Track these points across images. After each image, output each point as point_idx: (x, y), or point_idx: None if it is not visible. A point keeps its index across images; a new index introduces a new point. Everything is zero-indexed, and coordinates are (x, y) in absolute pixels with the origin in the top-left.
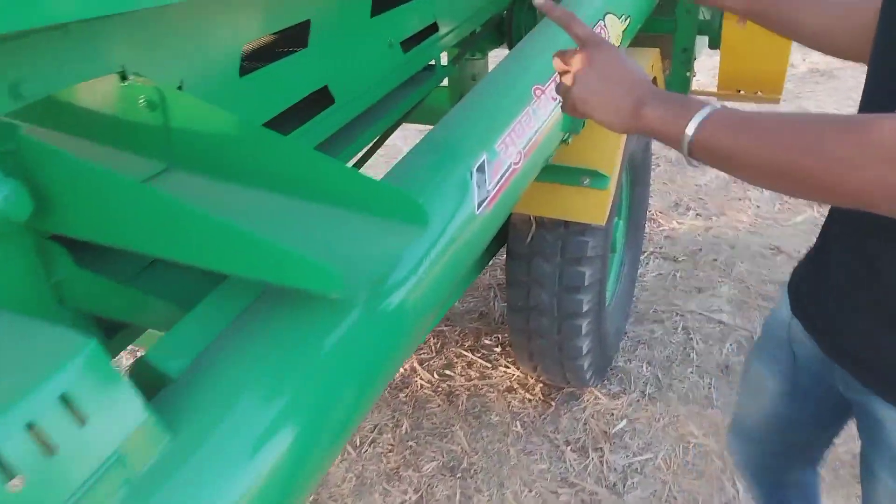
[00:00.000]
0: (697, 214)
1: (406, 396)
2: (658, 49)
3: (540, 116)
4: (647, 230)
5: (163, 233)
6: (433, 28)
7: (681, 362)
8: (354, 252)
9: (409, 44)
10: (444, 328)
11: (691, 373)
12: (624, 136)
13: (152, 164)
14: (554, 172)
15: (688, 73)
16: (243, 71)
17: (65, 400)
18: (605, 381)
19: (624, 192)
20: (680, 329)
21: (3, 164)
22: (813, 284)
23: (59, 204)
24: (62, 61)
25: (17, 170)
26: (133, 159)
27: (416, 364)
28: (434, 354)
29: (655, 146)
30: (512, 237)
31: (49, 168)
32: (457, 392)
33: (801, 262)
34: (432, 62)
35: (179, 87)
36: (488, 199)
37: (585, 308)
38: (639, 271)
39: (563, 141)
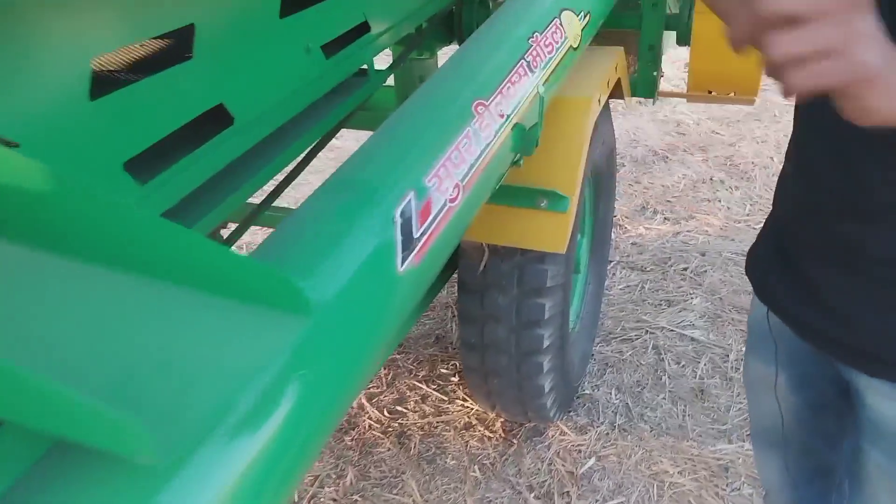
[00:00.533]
0: (665, 219)
1: (353, 440)
2: (622, 48)
3: (483, 138)
4: (614, 236)
5: None
6: (364, 28)
7: (652, 387)
8: (191, 375)
9: (333, 47)
10: (397, 356)
11: (664, 399)
12: (585, 149)
13: None
14: (506, 194)
15: (655, 73)
16: (97, 93)
17: None
18: (571, 412)
19: (587, 207)
20: (650, 349)
21: None
22: (780, 274)
23: None
24: None
25: None
26: None
27: (364, 401)
28: (384, 388)
29: (620, 145)
30: (462, 267)
31: None
32: (409, 432)
33: (759, 251)
34: (365, 66)
35: None
36: (416, 250)
37: (547, 343)
38: (606, 282)
39: (514, 163)
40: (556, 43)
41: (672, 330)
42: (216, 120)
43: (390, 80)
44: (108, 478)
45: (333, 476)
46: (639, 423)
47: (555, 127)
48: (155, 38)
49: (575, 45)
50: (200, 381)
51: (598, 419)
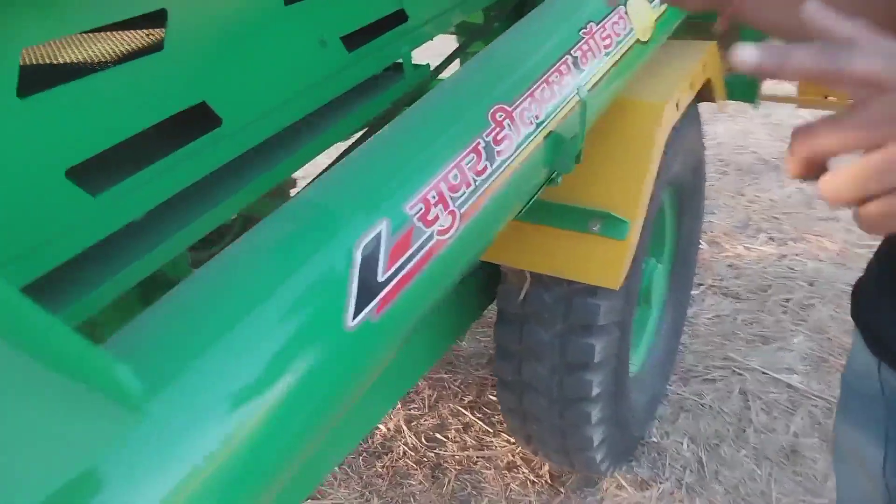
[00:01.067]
0: (770, 238)
1: (384, 467)
2: (714, 42)
3: (501, 152)
4: (708, 256)
5: None
6: (399, 16)
7: (734, 441)
8: None
9: (357, 39)
10: (444, 374)
11: (745, 457)
12: (653, 165)
13: None
14: (552, 213)
15: None
16: (27, 89)
17: None
18: (633, 462)
19: (667, 227)
20: (736, 393)
21: None
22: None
23: None
24: None
25: None
26: None
27: (402, 423)
28: (426, 411)
29: (724, 151)
30: (501, 293)
31: None
32: (446, 465)
33: (866, 288)
34: (400, 60)
35: None
36: (379, 298)
37: (597, 390)
38: (690, 311)
39: (550, 181)
40: (617, 36)
41: (765, 373)
42: (200, 121)
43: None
44: None
45: None
46: (712, 484)
47: (617, 136)
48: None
49: (644, 39)
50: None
51: (664, 474)
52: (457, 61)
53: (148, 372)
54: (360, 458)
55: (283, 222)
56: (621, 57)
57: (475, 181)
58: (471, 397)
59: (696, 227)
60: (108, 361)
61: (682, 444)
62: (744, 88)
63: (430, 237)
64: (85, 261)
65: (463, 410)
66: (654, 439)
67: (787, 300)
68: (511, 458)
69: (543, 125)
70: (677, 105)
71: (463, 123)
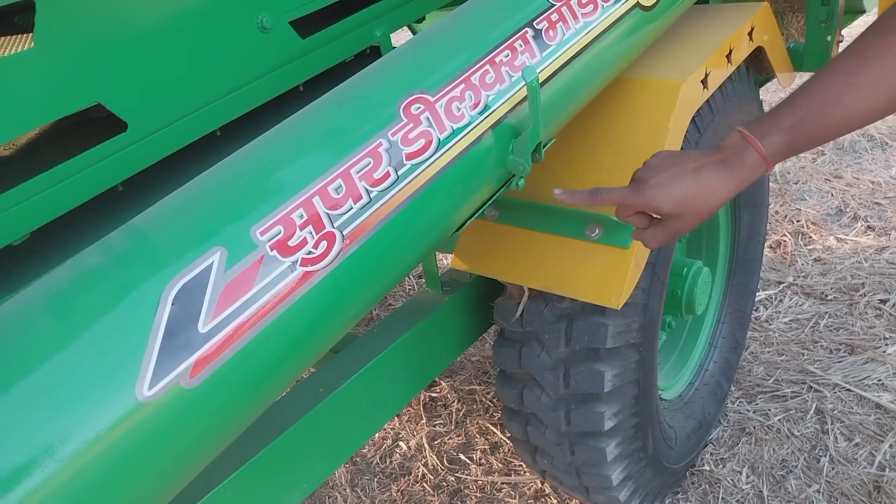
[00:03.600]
0: (868, 227)
1: (399, 491)
2: (765, 3)
3: (417, 155)
4: (791, 248)
5: None
6: None
7: (804, 471)
8: None
9: (313, 22)
10: (476, 386)
11: (817, 492)
12: None
13: None
14: (544, 217)
15: (830, 38)
16: None
17: None
18: (679, 494)
19: (721, 225)
20: (811, 413)
21: None
22: None
23: None
24: None
25: None
26: None
27: (425, 441)
28: (452, 427)
29: None
30: (499, 308)
31: None
32: (467, 491)
33: None
34: (376, 43)
35: None
36: (196, 356)
37: (610, 424)
38: (764, 314)
39: (506, 185)
40: (605, 1)
41: (849, 389)
42: (103, 126)
43: None
44: None
45: None
46: None
47: (620, 123)
48: None
49: (648, 4)
50: None
51: None
52: None
53: None
54: (375, 479)
55: (90, 256)
56: (611, 27)
57: (369, 193)
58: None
59: (759, 220)
60: None
61: (739, 474)
62: (814, 57)
63: (290, 270)
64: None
65: (492, 428)
66: (707, 468)
67: (884, 302)
68: (539, 486)
69: (485, 117)
70: (705, 81)
71: (357, 120)
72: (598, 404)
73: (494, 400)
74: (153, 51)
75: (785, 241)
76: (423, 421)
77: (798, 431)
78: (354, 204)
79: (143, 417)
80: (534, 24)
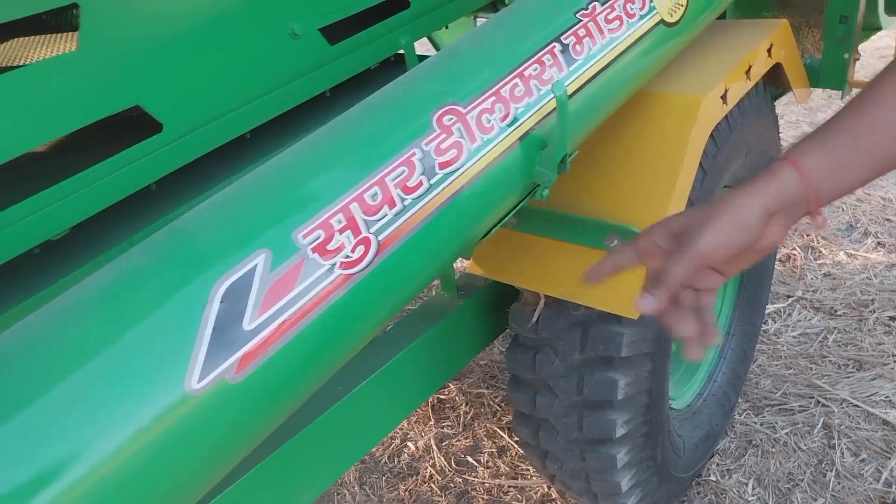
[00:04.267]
0: (878, 244)
1: (407, 491)
2: (784, 21)
3: (449, 164)
4: (801, 262)
5: None
6: (401, 4)
7: (810, 485)
8: None
9: (341, 29)
10: (485, 390)
11: None
12: (688, 170)
13: None
14: (562, 225)
15: (846, 56)
16: None
17: None
18: (686, 501)
19: None
20: (818, 428)
21: None
22: None
23: None
24: None
25: None
26: None
27: (433, 442)
28: (460, 430)
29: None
30: (514, 313)
31: None
32: (473, 493)
33: None
34: (401, 51)
35: None
36: (242, 352)
37: (622, 431)
38: (772, 328)
39: (531, 195)
40: (631, 17)
41: (856, 405)
42: (136, 126)
43: None
44: None
45: None
46: None
47: (642, 136)
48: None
49: (672, 20)
50: None
51: None
52: None
53: None
54: (384, 478)
55: (139, 255)
56: (636, 42)
57: (403, 200)
58: (510, 417)
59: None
60: None
61: (745, 485)
62: (831, 74)
63: (329, 272)
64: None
65: (500, 432)
66: (713, 478)
67: (893, 319)
68: (546, 490)
69: (513, 129)
70: (724, 97)
71: (393, 130)
72: (611, 412)
73: (502, 404)
74: (189, 54)
75: (795, 254)
76: (432, 422)
77: (805, 445)
78: (389, 210)
79: (190, 409)
80: (561, 38)
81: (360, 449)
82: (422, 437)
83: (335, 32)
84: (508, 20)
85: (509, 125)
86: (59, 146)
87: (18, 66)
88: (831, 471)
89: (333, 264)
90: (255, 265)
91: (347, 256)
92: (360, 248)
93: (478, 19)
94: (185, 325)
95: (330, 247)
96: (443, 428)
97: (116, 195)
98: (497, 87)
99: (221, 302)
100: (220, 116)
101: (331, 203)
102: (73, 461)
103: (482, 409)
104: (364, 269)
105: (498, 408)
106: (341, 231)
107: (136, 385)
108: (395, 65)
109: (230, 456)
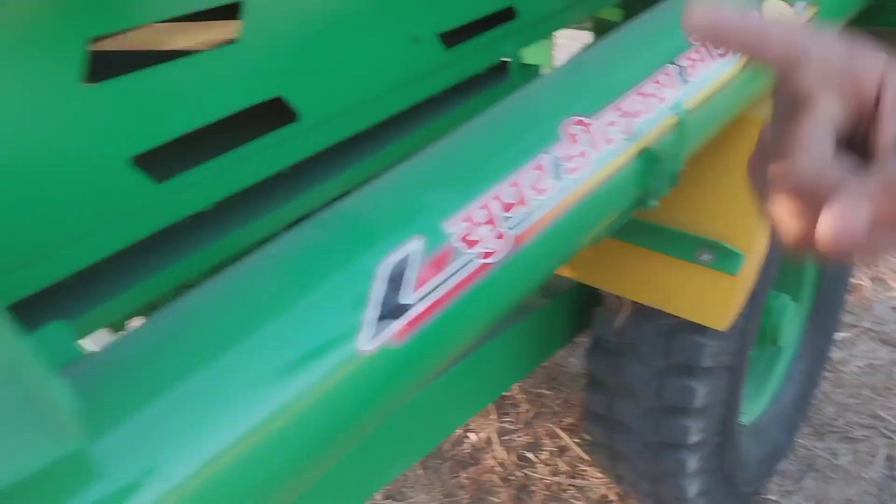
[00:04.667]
0: None
1: (468, 479)
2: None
3: (570, 170)
4: (868, 293)
5: None
6: (507, 14)
7: None
8: None
9: (457, 35)
10: (546, 391)
11: None
12: None
13: None
14: (655, 235)
15: None
16: (95, 77)
17: None
18: None
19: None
20: (881, 458)
21: None
22: None
23: None
24: None
25: None
26: None
27: (494, 435)
28: (520, 426)
29: None
30: (598, 317)
31: None
32: (533, 488)
33: None
34: (507, 59)
35: None
36: (402, 322)
37: (695, 439)
38: (838, 356)
39: (641, 205)
40: None
41: None
42: (274, 115)
43: None
44: None
45: None
46: None
47: (736, 156)
48: (185, 17)
49: None
50: None
51: None
52: None
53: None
54: (446, 464)
55: (311, 230)
56: (744, 69)
57: (534, 201)
58: (571, 419)
59: (846, 265)
60: (61, 393)
61: None
62: None
63: (471, 260)
64: (152, 247)
65: (560, 432)
66: (772, 497)
67: None
68: (605, 491)
69: (632, 142)
70: None
71: (528, 135)
72: (687, 418)
73: (563, 406)
74: (325, 53)
75: (863, 285)
76: (493, 417)
77: (866, 474)
78: (522, 209)
79: (360, 368)
80: (677, 61)
81: (440, 433)
82: (483, 429)
83: (451, 38)
84: (629, 38)
85: (629, 139)
86: (208, 128)
87: (186, 53)
88: (892, 501)
89: (476, 254)
90: (413, 248)
91: (486, 248)
92: (498, 242)
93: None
94: (356, 295)
95: (472, 238)
96: (503, 423)
97: (258, 176)
98: (619, 101)
99: (384, 278)
100: (347, 111)
101: (475, 198)
102: (260, 405)
103: (543, 409)
104: (499, 261)
105: (559, 409)
106: (483, 224)
107: (315, 343)
108: (499, 72)
109: (387, 407)
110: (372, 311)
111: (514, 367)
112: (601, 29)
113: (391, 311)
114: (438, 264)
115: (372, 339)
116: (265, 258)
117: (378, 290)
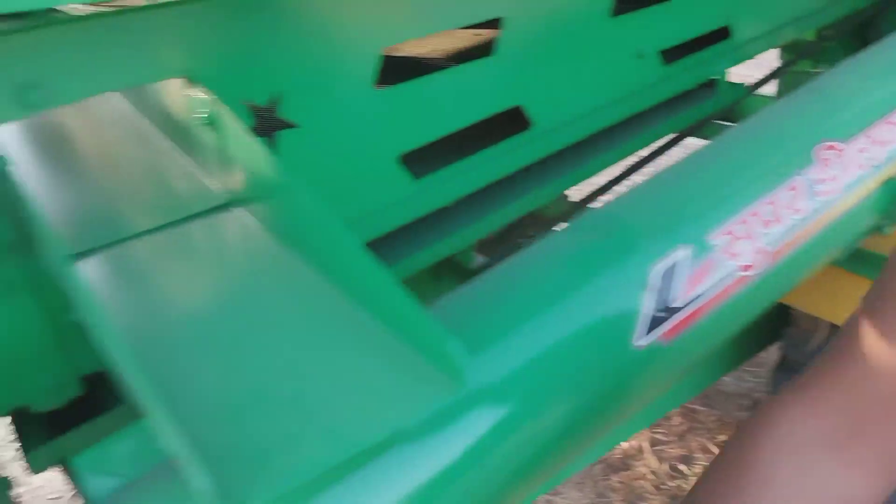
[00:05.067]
0: None
1: (620, 482)
2: None
3: (821, 192)
4: None
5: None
6: (721, 34)
7: None
8: (313, 408)
9: (675, 53)
10: (699, 407)
11: None
12: None
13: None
14: (870, 263)
15: None
16: (382, 81)
17: None
18: None
19: None
20: None
21: None
22: None
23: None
24: (91, 62)
25: None
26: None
27: (646, 444)
28: (673, 439)
29: None
30: (788, 337)
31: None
32: None
33: None
34: (715, 77)
35: (276, 102)
36: (671, 323)
37: None
38: None
39: (875, 230)
40: None
41: None
42: (510, 122)
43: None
44: None
45: None
46: None
47: None
48: (453, 31)
49: None
50: (324, 425)
51: None
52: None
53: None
54: (597, 466)
55: (582, 231)
56: None
57: (790, 220)
58: (724, 437)
59: None
60: (442, 333)
61: None
62: None
63: (731, 272)
64: (402, 237)
65: (713, 449)
66: None
67: None
68: None
69: (881, 170)
70: None
71: (783, 156)
72: None
73: (716, 423)
74: (563, 66)
75: None
76: (645, 427)
77: None
78: (778, 227)
79: (633, 362)
80: None
81: (615, 439)
82: (634, 438)
83: (670, 55)
84: (872, 65)
85: (878, 167)
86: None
87: (449, 67)
88: None
89: (735, 267)
90: (680, 256)
91: (745, 261)
92: (755, 256)
93: None
94: (632, 296)
95: (731, 251)
96: (655, 434)
97: (492, 177)
98: (870, 129)
99: (659, 281)
100: (575, 120)
101: (736, 213)
102: (549, 381)
103: (696, 425)
104: (755, 273)
105: (712, 426)
106: (742, 239)
107: (592, 336)
108: (706, 89)
109: (647, 398)
110: (646, 310)
111: (697, 379)
112: (789, 48)
113: (663, 312)
114: (703, 273)
115: (646, 336)
116: (540, 254)
117: (651, 292)
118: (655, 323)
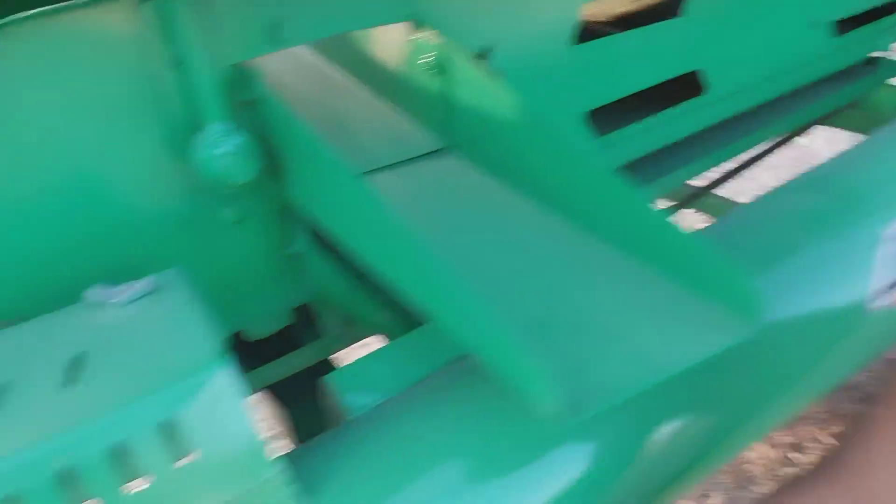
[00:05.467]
0: None
1: (729, 465)
2: None
3: None
4: None
5: (369, 241)
6: (891, 8)
7: None
8: (617, 345)
9: (847, 24)
10: None
11: None
12: None
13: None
14: None
15: None
16: (578, 40)
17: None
18: None
19: None
20: None
21: (238, 116)
22: None
23: (286, 171)
24: (330, 3)
25: (252, 124)
26: (415, 128)
27: None
28: (784, 429)
29: None
30: None
31: (280, 132)
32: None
33: None
34: (877, 53)
35: (485, 54)
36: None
37: None
38: None
39: None
40: None
41: None
42: (686, 86)
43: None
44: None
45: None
46: None
47: None
48: None
49: None
50: (624, 353)
51: None
52: None
53: None
54: None
55: (806, 193)
56: None
57: None
58: (836, 428)
59: None
60: (737, 272)
61: None
62: None
63: None
64: None
65: (825, 440)
66: None
67: None
68: None
69: None
70: None
71: None
72: None
73: (827, 414)
74: (741, 32)
75: None
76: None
77: None
78: None
79: (858, 324)
80: None
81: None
82: None
83: (838, 27)
84: None
85: None
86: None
87: (637, 26)
88: None
89: None
90: None
91: None
92: None
93: None
94: (860, 259)
95: None
96: None
97: (668, 139)
98: None
99: (891, 242)
100: (748, 87)
101: None
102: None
103: (806, 416)
104: None
105: (824, 417)
106: None
107: (825, 294)
108: (868, 65)
109: (871, 360)
110: (880, 272)
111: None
112: None
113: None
114: None
115: (878, 300)
116: (762, 209)
117: (885, 254)
118: (888, 285)
